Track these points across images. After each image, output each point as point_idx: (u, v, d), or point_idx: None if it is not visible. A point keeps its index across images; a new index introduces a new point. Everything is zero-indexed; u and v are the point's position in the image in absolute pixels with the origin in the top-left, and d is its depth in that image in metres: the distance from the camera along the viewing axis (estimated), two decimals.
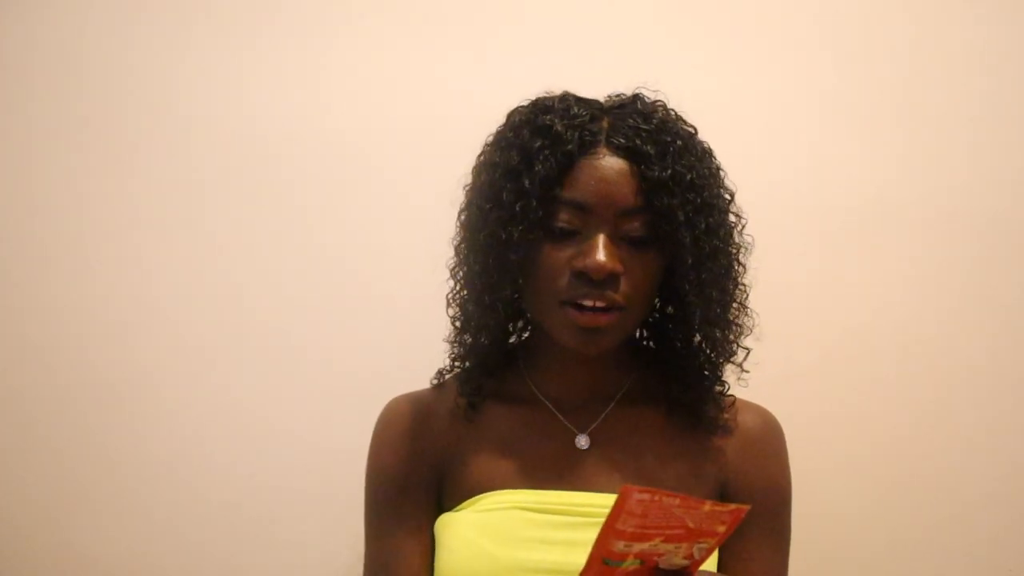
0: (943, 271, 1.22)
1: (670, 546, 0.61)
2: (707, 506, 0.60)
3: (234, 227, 1.24)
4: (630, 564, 0.61)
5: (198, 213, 1.24)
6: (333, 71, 1.25)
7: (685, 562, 0.63)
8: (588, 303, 0.82)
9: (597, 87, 0.94)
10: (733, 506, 0.61)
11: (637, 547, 0.60)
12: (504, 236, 0.84)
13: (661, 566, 0.62)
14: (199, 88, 1.25)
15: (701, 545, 0.62)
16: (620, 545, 0.60)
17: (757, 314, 0.95)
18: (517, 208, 0.83)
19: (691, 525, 0.60)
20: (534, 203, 0.82)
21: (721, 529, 0.61)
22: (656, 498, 0.58)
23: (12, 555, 1.21)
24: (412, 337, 1.11)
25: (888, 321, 1.22)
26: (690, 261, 0.83)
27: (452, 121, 1.18)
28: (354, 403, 1.11)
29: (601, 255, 0.81)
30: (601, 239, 0.82)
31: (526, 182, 0.83)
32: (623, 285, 0.83)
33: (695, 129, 0.91)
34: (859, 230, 1.22)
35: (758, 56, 1.24)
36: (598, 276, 0.81)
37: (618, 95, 0.92)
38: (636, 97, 0.90)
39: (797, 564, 0.97)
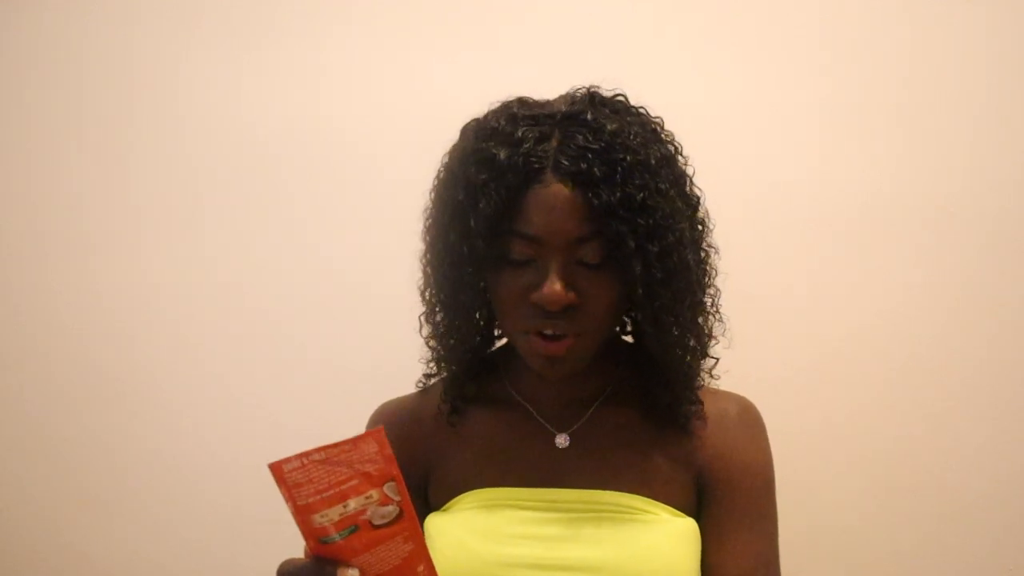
0: (941, 272, 1.22)
1: (361, 499, 0.62)
2: (347, 443, 0.62)
3: (234, 227, 1.24)
4: (346, 533, 0.63)
5: (198, 213, 1.25)
6: (332, 72, 1.26)
7: (394, 508, 0.64)
8: (548, 331, 0.82)
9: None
10: (364, 433, 0.63)
11: (333, 513, 0.62)
12: (457, 275, 0.84)
13: (375, 523, 0.63)
14: (199, 89, 1.26)
15: (389, 484, 0.63)
16: (318, 519, 0.62)
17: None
18: (464, 249, 0.82)
19: (357, 468, 0.62)
20: (480, 243, 0.81)
21: (378, 461, 0.62)
22: (303, 460, 0.61)
23: (12, 555, 1.22)
24: (412, 337, 1.11)
25: (886, 323, 1.21)
26: (641, 291, 0.82)
27: (452, 121, 1.18)
28: (354, 402, 1.10)
29: (555, 286, 0.79)
30: (554, 270, 0.79)
31: (472, 221, 0.80)
32: (580, 311, 0.81)
33: (661, 121, 0.87)
34: (858, 232, 1.22)
35: (755, 57, 1.24)
36: (553, 308, 0.80)
37: (577, 89, 0.87)
38: (591, 100, 0.85)
39: (797, 565, 0.97)
